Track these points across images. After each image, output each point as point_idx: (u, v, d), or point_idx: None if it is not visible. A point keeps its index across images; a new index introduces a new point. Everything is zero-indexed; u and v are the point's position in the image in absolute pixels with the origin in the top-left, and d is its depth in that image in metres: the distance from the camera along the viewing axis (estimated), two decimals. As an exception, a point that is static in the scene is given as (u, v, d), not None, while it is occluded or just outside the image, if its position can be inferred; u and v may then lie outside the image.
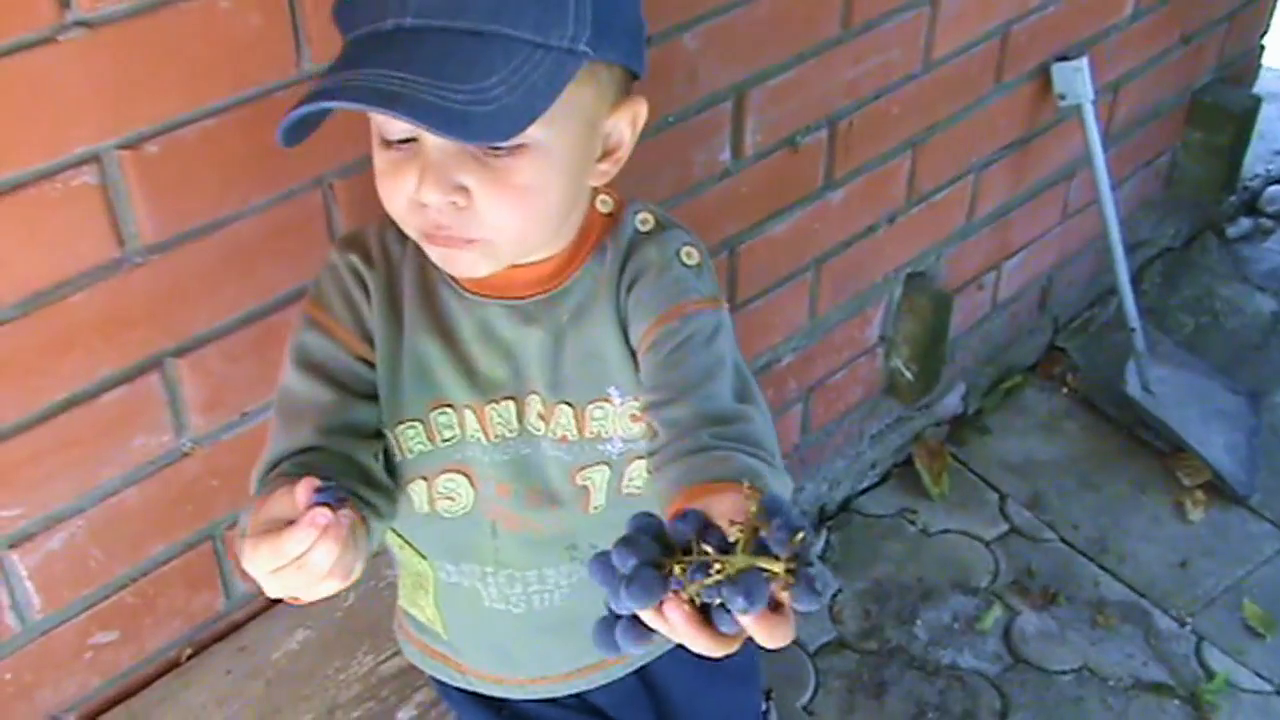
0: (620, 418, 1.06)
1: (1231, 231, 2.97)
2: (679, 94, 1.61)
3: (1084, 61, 2.19)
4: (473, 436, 1.08)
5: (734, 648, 0.75)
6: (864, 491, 2.38)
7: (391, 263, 1.07)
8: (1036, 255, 2.50)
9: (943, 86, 2.02)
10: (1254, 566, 2.24)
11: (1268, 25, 2.86)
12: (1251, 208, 3.04)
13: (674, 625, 0.73)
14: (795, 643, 2.08)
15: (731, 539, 0.73)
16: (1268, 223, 3.01)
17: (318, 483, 0.83)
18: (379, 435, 1.07)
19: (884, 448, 2.36)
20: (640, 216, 1.06)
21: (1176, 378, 2.50)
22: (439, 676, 1.28)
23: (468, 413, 1.07)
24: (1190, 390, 2.50)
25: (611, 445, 1.07)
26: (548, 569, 1.14)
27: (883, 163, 2.00)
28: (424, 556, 1.17)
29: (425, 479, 1.10)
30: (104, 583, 1.37)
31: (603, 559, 0.75)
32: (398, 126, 0.92)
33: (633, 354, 1.03)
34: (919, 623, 2.15)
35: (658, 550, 0.74)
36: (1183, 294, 2.82)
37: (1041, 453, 2.46)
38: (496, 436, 1.07)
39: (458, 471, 1.09)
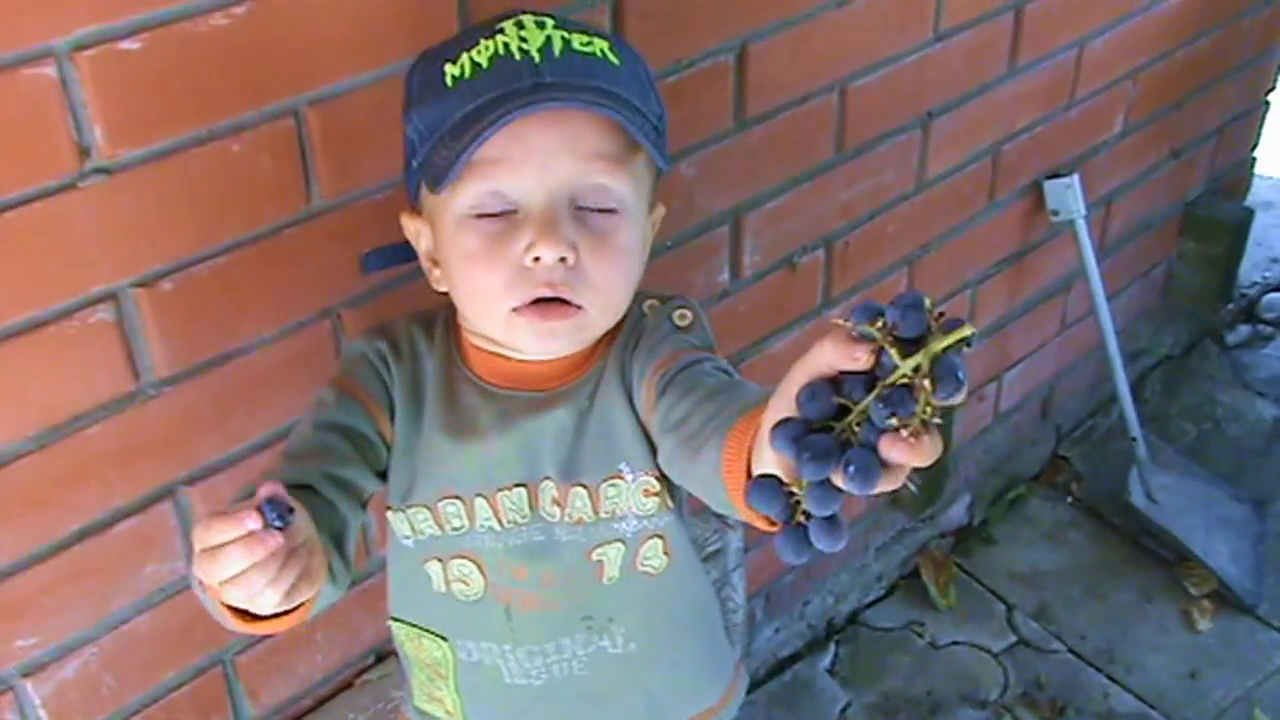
0: (633, 493, 1.10)
1: (1230, 339, 3.01)
2: (677, 220, 1.66)
3: (1075, 179, 2.24)
4: (483, 525, 1.11)
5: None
6: (871, 604, 2.38)
7: (417, 356, 1.14)
8: (1036, 366, 2.53)
9: (936, 205, 2.06)
10: (1264, 677, 2.22)
11: (1258, 138, 2.91)
12: (1250, 315, 3.07)
13: (912, 458, 0.67)
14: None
15: (862, 366, 0.66)
16: (1266, 329, 3.04)
17: (278, 493, 0.84)
18: (363, 507, 1.11)
19: (889, 560, 2.37)
20: (648, 304, 1.13)
21: (1180, 486, 2.50)
22: None
23: (479, 501, 1.11)
24: (1194, 498, 2.50)
25: (626, 524, 1.11)
26: (564, 639, 1.17)
27: (879, 279, 2.03)
28: (444, 638, 1.19)
29: (440, 560, 1.14)
30: (116, 710, 1.38)
31: (764, 482, 0.70)
32: (517, 188, 0.99)
33: (642, 427, 1.07)
34: (929, 737, 2.14)
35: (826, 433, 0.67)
36: (1183, 402, 2.84)
37: (1047, 562, 2.47)
38: (509, 522, 1.11)
39: (467, 559, 1.13)
